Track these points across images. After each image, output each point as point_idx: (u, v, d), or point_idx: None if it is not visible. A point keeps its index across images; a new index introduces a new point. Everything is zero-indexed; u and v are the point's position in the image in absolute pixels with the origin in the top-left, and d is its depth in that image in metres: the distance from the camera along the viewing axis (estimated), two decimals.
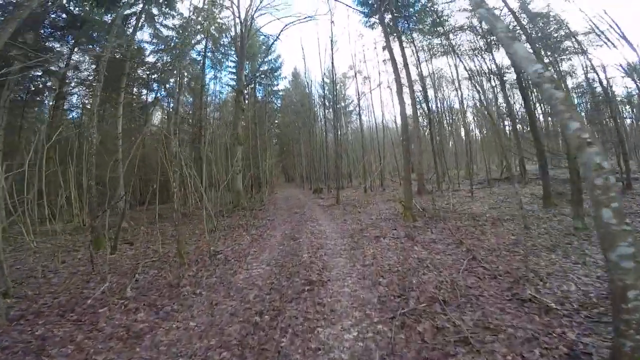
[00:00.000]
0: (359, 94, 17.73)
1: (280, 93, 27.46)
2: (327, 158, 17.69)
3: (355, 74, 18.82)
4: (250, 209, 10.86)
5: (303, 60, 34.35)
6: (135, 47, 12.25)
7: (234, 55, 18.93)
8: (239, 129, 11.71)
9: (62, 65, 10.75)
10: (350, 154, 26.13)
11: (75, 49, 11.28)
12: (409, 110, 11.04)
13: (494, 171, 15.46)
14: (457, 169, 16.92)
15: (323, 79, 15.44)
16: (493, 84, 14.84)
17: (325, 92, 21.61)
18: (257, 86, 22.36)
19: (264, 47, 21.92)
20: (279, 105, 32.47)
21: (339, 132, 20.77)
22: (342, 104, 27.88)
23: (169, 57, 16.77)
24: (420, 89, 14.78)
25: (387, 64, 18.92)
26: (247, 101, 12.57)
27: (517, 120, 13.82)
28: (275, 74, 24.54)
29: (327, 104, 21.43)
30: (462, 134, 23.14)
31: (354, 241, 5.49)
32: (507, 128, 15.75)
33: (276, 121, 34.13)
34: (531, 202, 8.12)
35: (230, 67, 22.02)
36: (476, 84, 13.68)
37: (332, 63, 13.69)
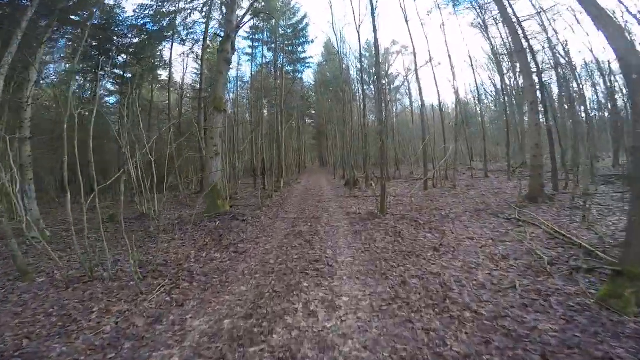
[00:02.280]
0: (414, 51, 12.01)
1: (308, 62, 22.56)
2: (366, 140, 12.37)
3: (407, 22, 13.03)
4: (231, 218, 6.46)
5: (330, 7, 27.63)
6: None
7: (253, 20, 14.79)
8: (220, 89, 7.22)
9: None
10: (396, 136, 20.52)
11: None
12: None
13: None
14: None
15: (360, 51, 10.53)
16: None
17: (364, 65, 16.44)
18: (279, 52, 18.05)
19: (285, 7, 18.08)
20: (313, 82, 27.61)
21: (384, 109, 15.41)
22: (386, 80, 22.14)
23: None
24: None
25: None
26: (234, 51, 8.02)
27: None
28: (301, 39, 19.93)
29: (366, 79, 16.28)
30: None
31: None
32: None
33: (308, 100, 29.48)
34: None
35: (247, 31, 18.01)
36: None
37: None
